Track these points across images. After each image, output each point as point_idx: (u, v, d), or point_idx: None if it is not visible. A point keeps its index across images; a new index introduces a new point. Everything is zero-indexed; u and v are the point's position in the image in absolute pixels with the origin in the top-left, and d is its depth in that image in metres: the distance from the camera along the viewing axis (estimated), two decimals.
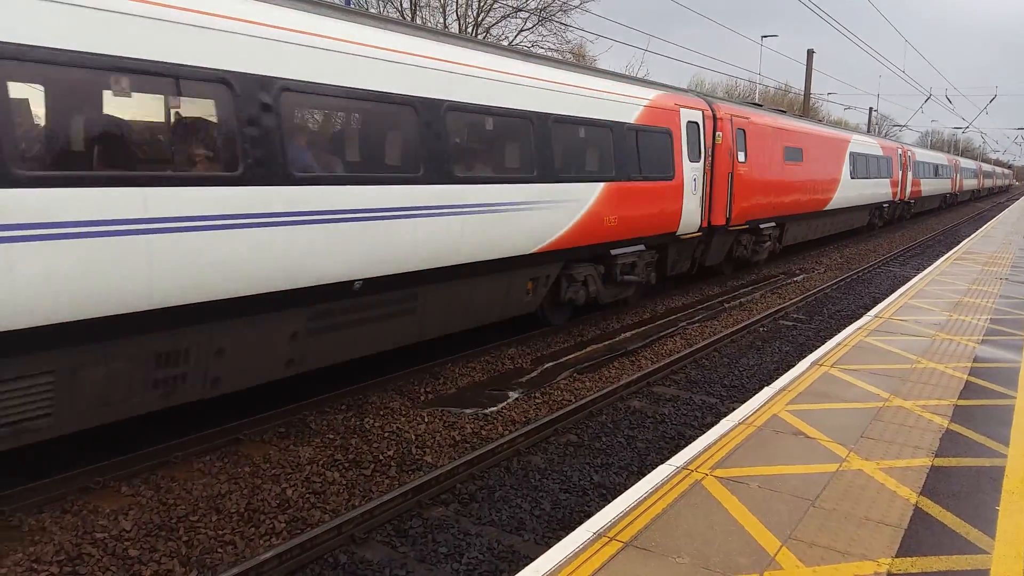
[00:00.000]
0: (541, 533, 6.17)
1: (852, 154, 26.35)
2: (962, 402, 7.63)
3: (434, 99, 8.76)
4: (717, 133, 16.01)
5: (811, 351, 10.77)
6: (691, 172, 14.82)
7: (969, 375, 8.63)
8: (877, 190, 30.41)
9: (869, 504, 5.28)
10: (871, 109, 66.25)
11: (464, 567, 5.65)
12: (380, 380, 9.47)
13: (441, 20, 31.92)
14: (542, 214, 10.63)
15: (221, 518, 6.20)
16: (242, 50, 6.79)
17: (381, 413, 8.63)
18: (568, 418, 8.52)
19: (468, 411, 8.83)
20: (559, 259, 11.49)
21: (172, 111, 6.61)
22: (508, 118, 10.12)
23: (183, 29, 6.36)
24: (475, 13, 32.66)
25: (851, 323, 12.21)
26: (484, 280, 10.08)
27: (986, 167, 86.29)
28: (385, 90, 8.16)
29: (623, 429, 8.51)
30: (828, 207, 24.25)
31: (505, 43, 29.80)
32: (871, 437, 6.59)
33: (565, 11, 33.14)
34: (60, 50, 5.62)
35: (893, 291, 15.96)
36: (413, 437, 8.01)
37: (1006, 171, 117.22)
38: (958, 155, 71.63)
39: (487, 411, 8.86)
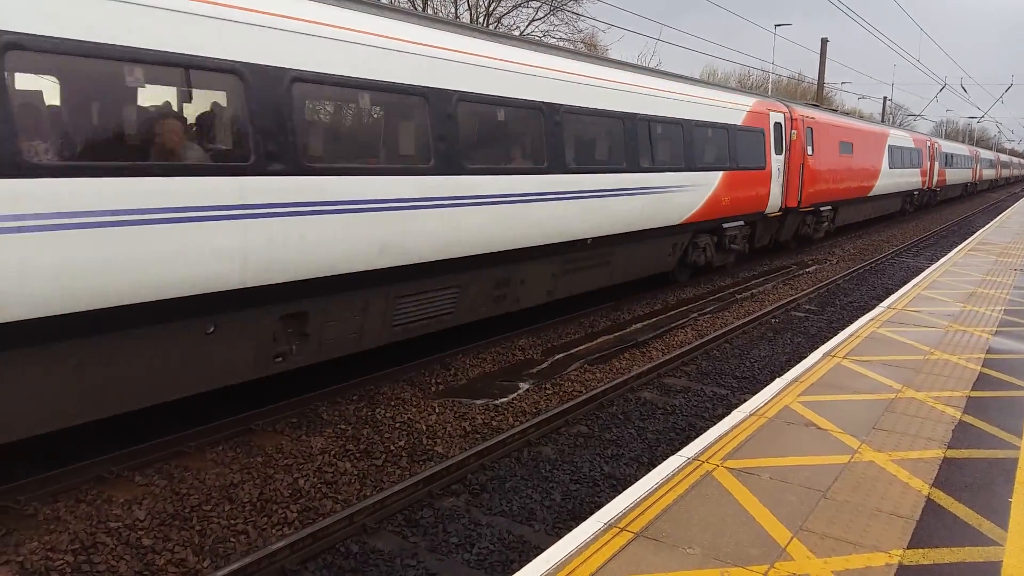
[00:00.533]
0: (551, 523, 6.19)
1: (890, 147, 29.60)
2: (975, 393, 7.59)
3: (640, 114, 12.87)
4: (792, 131, 19.22)
5: (823, 342, 10.72)
6: (776, 163, 18.36)
7: (983, 367, 8.57)
8: (910, 179, 33.64)
9: (881, 495, 5.26)
10: (885, 98, 65.76)
11: (475, 557, 5.67)
12: (391, 371, 9.50)
13: (453, 10, 31.84)
14: (686, 195, 14.30)
15: (234, 507, 6.25)
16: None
17: (392, 404, 8.66)
18: (578, 409, 8.52)
19: (479, 402, 8.84)
20: (690, 230, 15.19)
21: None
22: (671, 124, 13.91)
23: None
24: (487, 2, 32.56)
25: (864, 314, 12.14)
26: (648, 243, 13.80)
27: (1003, 157, 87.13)
28: (613, 109, 12.14)
29: (634, 420, 8.51)
30: (871, 194, 27.59)
31: (516, 32, 29.67)
32: (883, 428, 6.56)
33: (577, 0, 33.00)
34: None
35: (906, 282, 15.86)
36: (424, 427, 8.03)
37: (1023, 161, 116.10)
38: (975, 146, 71.68)
39: (498, 402, 8.87)
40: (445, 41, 8.99)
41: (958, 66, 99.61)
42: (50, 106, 5.88)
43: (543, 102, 10.38)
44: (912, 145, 33.98)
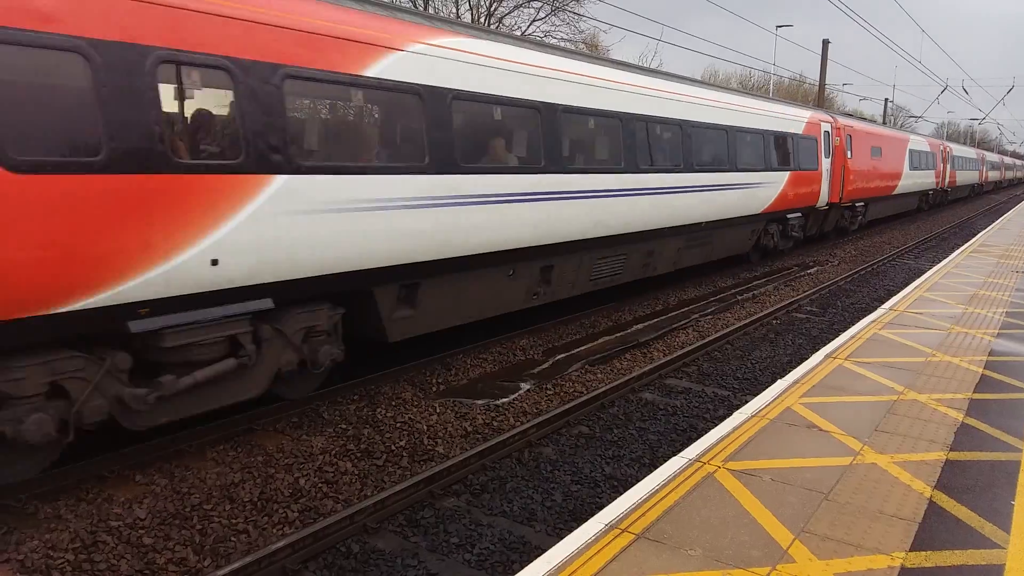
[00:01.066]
0: (552, 524, 6.18)
1: (910, 151, 33.13)
2: (977, 396, 7.58)
3: (738, 126, 16.54)
4: (835, 138, 22.49)
5: (825, 344, 10.72)
6: (825, 165, 21.69)
7: (984, 368, 8.56)
8: (926, 179, 37.37)
9: (883, 498, 5.25)
10: (886, 100, 65.72)
11: (476, 557, 5.67)
12: (392, 371, 9.49)
13: (454, 10, 31.84)
14: (765, 190, 17.89)
15: (235, 507, 6.24)
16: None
17: (393, 403, 8.65)
18: (580, 410, 8.51)
19: (480, 402, 8.84)
20: (764, 219, 18.79)
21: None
22: (756, 134, 17.60)
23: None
24: (488, 3, 32.56)
25: (865, 316, 12.13)
26: (736, 229, 17.41)
27: (1007, 160, 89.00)
28: (721, 123, 15.81)
29: (635, 421, 8.50)
30: (895, 192, 31.30)
31: (518, 33, 29.66)
32: (885, 430, 6.55)
33: (578, 0, 33.00)
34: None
35: (908, 284, 15.85)
36: (425, 428, 8.02)
37: None
38: (976, 148, 72.84)
39: (498, 402, 8.86)
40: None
41: (960, 68, 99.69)
42: (477, 133, 9.87)
43: (683, 119, 14.28)
44: (928, 149, 37.49)
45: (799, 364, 9.13)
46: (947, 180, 43.29)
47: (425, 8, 30.01)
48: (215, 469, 6.86)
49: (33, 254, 5.48)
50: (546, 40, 29.13)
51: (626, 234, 12.72)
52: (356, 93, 8.13)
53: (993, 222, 33.60)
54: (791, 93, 63.15)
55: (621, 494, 5.50)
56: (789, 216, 20.24)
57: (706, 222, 15.41)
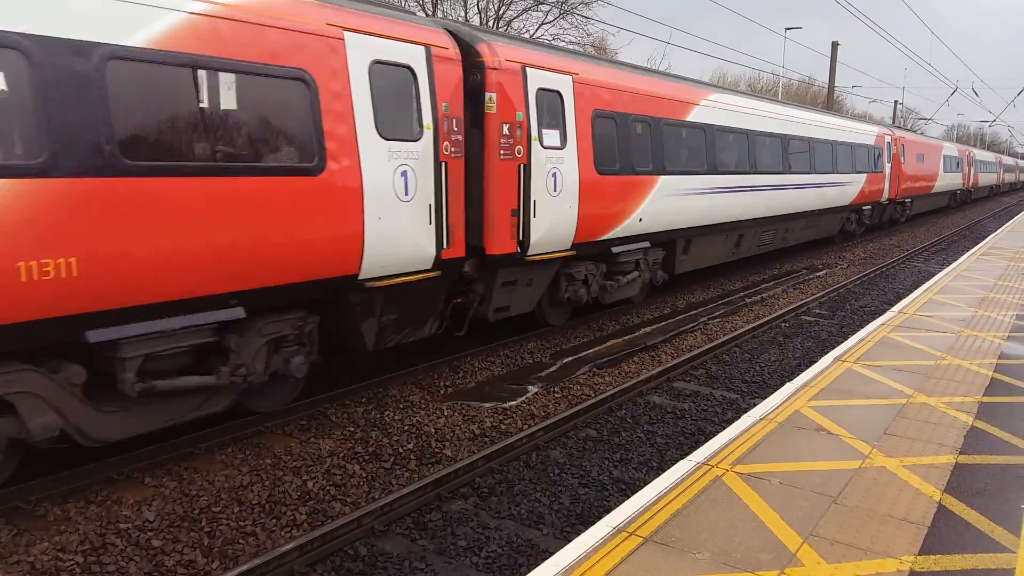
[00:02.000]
0: (560, 527, 6.17)
1: (944, 156, 38.94)
2: (987, 399, 7.54)
3: (838, 140, 22.33)
4: (893, 147, 28.11)
5: (834, 347, 10.68)
6: (887, 169, 27.40)
7: (995, 372, 8.52)
8: (955, 181, 43.13)
9: (892, 501, 5.23)
10: (896, 102, 65.47)
11: (483, 560, 5.67)
12: (400, 373, 9.51)
13: (462, 13, 31.91)
14: (852, 187, 23.80)
15: (243, 509, 6.26)
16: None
17: (401, 406, 8.66)
18: (587, 413, 8.50)
19: (487, 405, 8.84)
20: (848, 209, 24.86)
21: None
22: (846, 145, 22.94)
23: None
24: (496, 6, 32.62)
25: (875, 319, 12.09)
26: (830, 215, 23.35)
27: (1021, 163, 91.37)
28: (830, 138, 21.65)
29: (642, 424, 8.49)
30: (932, 191, 37.06)
31: (526, 36, 29.70)
32: (895, 434, 6.52)
33: (587, 3, 33.02)
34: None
35: (917, 287, 15.78)
36: (433, 430, 8.03)
37: None
38: (987, 151, 74.16)
39: (506, 405, 8.86)
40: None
41: (970, 70, 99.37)
42: (723, 149, 15.63)
43: (809, 137, 20.17)
44: (957, 155, 43.42)
45: (808, 367, 9.11)
46: (971, 181, 49.60)
47: (433, 13, 30.09)
48: (224, 471, 6.88)
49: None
50: (555, 43, 29.18)
51: (777, 216, 18.56)
52: (683, 130, 14.04)
53: (1003, 224, 33.42)
54: (800, 96, 62.98)
55: (629, 497, 5.50)
56: (863, 207, 26.33)
57: (818, 210, 21.43)
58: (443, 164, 8.66)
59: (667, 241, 13.84)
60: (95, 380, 6.30)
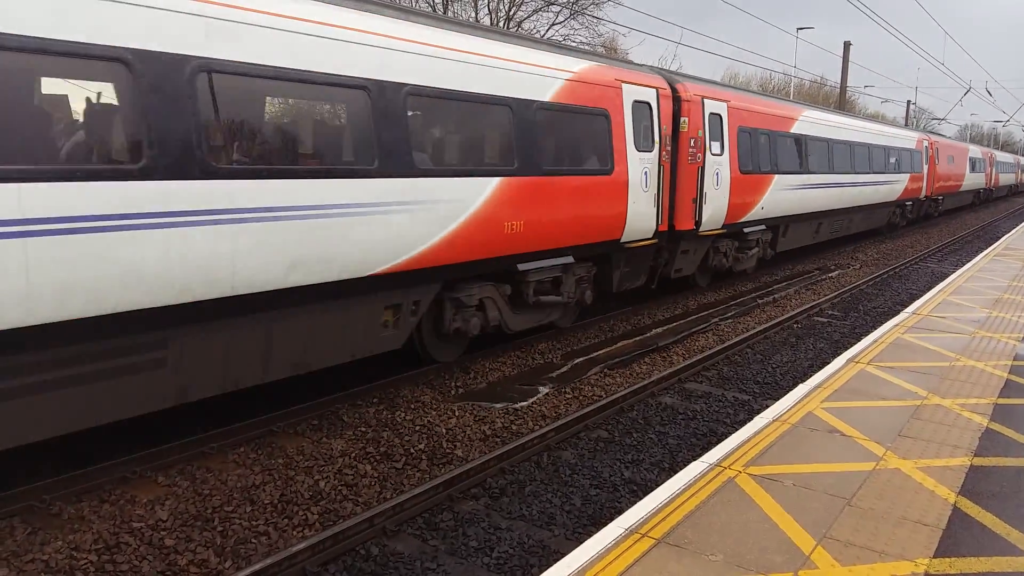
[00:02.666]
0: (571, 528, 6.16)
1: (970, 158, 42.83)
2: (1002, 401, 7.48)
3: (883, 145, 25.64)
4: (929, 150, 31.90)
5: (847, 348, 10.62)
6: (924, 170, 31.04)
7: (1010, 373, 8.45)
8: (979, 180, 46.69)
9: (906, 503, 5.19)
10: (909, 102, 65.10)
11: (495, 561, 5.66)
12: (411, 374, 9.52)
13: (473, 14, 31.93)
14: (898, 185, 27.52)
15: (255, 509, 6.27)
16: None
17: (412, 407, 8.67)
18: (598, 414, 8.49)
19: (498, 405, 8.83)
20: (894, 204, 28.41)
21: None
22: (895, 149, 26.68)
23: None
24: (507, 7, 32.63)
25: (888, 320, 12.02)
26: (882, 209, 26.79)
27: None
28: (878, 143, 25.07)
29: (654, 425, 8.47)
30: (960, 190, 40.99)
31: (537, 36, 29.69)
32: (909, 436, 6.48)
33: (597, 4, 32.99)
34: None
35: (931, 287, 15.69)
36: (444, 431, 8.03)
37: None
38: (1007, 153, 75.27)
39: (517, 406, 8.86)
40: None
41: (983, 69, 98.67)
42: (814, 152, 19.82)
43: (869, 143, 23.80)
44: (981, 156, 47.15)
45: (821, 368, 9.07)
46: (993, 181, 53.75)
47: (445, 12, 30.12)
48: (236, 471, 6.91)
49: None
50: (566, 43, 29.13)
51: (845, 208, 22.41)
52: (788, 139, 18.05)
53: (1017, 225, 33.20)
54: (812, 96, 62.69)
55: (641, 498, 5.48)
56: (906, 203, 30.19)
57: (874, 204, 25.22)
58: (661, 167, 12.62)
59: (774, 225, 17.98)
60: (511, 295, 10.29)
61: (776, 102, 19.16)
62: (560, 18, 33.34)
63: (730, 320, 13.78)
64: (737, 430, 6.76)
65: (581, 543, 4.71)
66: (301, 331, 7.48)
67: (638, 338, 12.18)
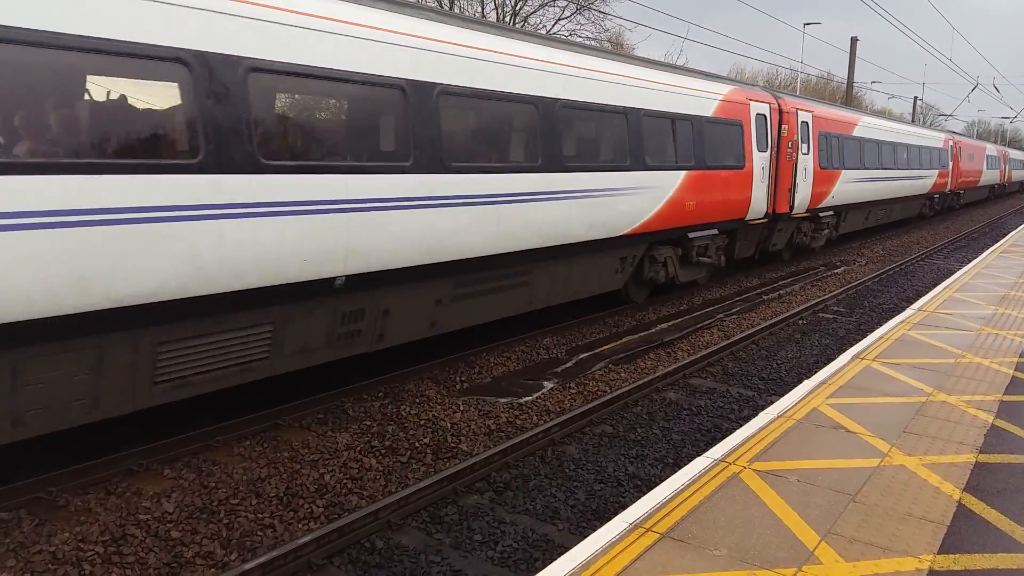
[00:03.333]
0: (576, 523, 6.17)
1: (987, 155, 46.99)
2: (1008, 398, 7.47)
3: (921, 145, 30.24)
4: (954, 148, 35.16)
5: (852, 344, 10.60)
6: (950, 166, 33.97)
7: (1016, 370, 8.43)
8: (994, 176, 50.91)
9: (911, 500, 5.19)
10: (916, 98, 64.87)
11: (499, 554, 5.68)
12: (416, 368, 9.54)
13: (479, 9, 31.87)
14: (929, 180, 31.23)
15: (261, 502, 6.30)
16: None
17: (417, 401, 8.69)
18: (603, 409, 8.50)
19: (503, 400, 8.85)
20: (924, 197, 31.81)
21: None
22: (927, 148, 30.90)
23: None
24: (513, 2, 32.56)
25: (893, 316, 11.99)
26: (915, 200, 30.76)
27: None
28: (905, 142, 28.13)
29: (659, 421, 8.47)
30: (978, 185, 45.18)
31: (543, 31, 29.61)
32: (914, 432, 6.48)
33: None
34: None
35: (937, 284, 15.65)
36: (449, 425, 8.05)
37: None
38: (1019, 151, 76.66)
39: (522, 400, 8.87)
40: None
41: (991, 65, 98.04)
42: (873, 150, 23.93)
43: (907, 144, 27.53)
44: (996, 154, 51.86)
45: (826, 365, 9.05)
46: (1007, 177, 58.43)
47: (451, 7, 30.07)
48: (242, 464, 6.93)
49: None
50: (571, 38, 29.06)
51: (889, 199, 26.23)
52: (853, 141, 21.55)
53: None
54: (819, 91, 62.47)
55: (645, 493, 5.49)
56: (934, 196, 33.79)
57: (911, 195, 29.03)
58: (771, 164, 16.38)
59: (838, 211, 21.45)
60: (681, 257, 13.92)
61: (842, 111, 23.43)
62: (566, 13, 33.28)
63: (735, 316, 13.77)
64: (742, 426, 6.76)
65: (585, 537, 4.72)
66: (587, 267, 11.56)
67: (643, 333, 12.18)
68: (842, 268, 20.25)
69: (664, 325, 12.82)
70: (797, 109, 17.70)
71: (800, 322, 13.54)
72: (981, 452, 6.06)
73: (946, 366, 8.57)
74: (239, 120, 6.42)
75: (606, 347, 11.28)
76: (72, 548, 5.48)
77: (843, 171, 20.61)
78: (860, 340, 10.29)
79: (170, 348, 6.38)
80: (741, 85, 16.83)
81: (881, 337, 9.92)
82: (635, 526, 4.75)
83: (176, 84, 6.14)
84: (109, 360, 5.99)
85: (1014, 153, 67.76)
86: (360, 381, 8.93)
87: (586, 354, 10.87)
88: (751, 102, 15.57)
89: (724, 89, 14.83)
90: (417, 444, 7.57)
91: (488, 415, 8.40)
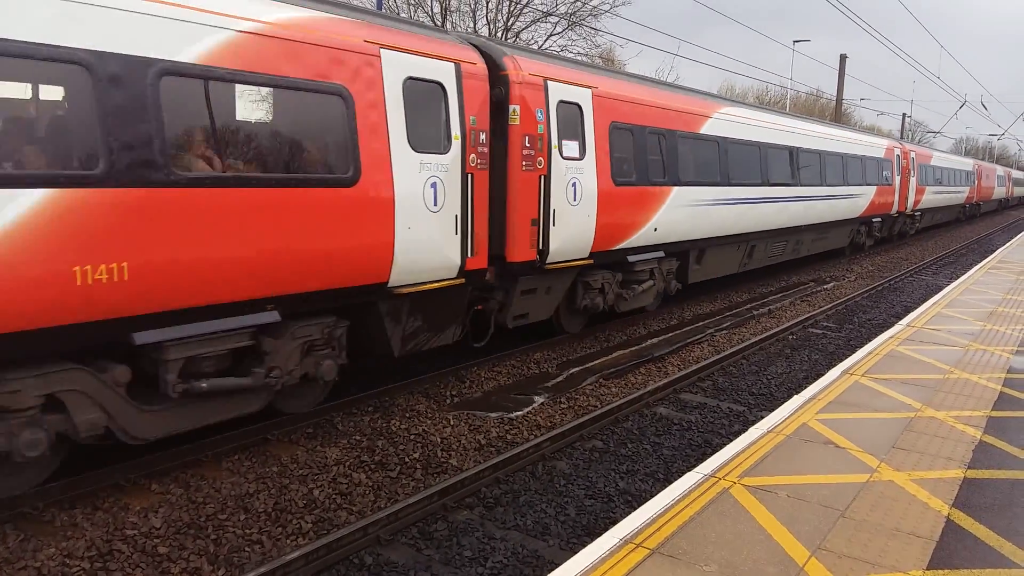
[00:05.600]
0: (566, 538, 6.16)
1: (996, 175, 58.02)
2: (996, 413, 7.50)
3: (964, 170, 44.26)
4: (977, 172, 47.53)
5: (841, 360, 10.65)
6: (975, 185, 47.16)
7: (1003, 386, 8.48)
8: (1002, 192, 62.70)
9: (900, 515, 5.20)
10: (904, 115, 65.46)
11: (489, 571, 5.65)
12: (407, 382, 9.51)
13: (471, 24, 32.04)
14: (964, 194, 44.09)
15: (249, 517, 6.26)
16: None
17: (407, 415, 8.66)
18: (594, 423, 8.49)
19: (493, 415, 8.83)
20: (960, 207, 45.69)
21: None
22: (963, 171, 43.42)
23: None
24: (505, 18, 32.75)
25: (882, 332, 12.05)
26: (954, 208, 43.75)
27: None
28: (964, 169, 44.49)
29: (649, 436, 8.47)
30: (991, 199, 55.95)
31: (535, 47, 29.78)
32: (903, 448, 6.50)
33: (595, 15, 33.11)
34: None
35: (925, 300, 15.73)
36: (439, 440, 8.03)
37: None
38: (1021, 171, 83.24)
39: (512, 415, 8.85)
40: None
41: (978, 83, 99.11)
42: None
43: (954, 168, 40.42)
44: (1003, 174, 63.97)
45: (815, 380, 9.08)
46: (1010, 193, 69.71)
47: (443, 23, 30.23)
48: (230, 479, 6.89)
49: None
50: (563, 54, 29.24)
51: (945, 206, 37.06)
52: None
53: (1012, 238, 33.34)
54: (808, 108, 62.98)
55: (635, 509, 5.48)
56: (967, 206, 45.78)
57: (955, 205, 38.87)
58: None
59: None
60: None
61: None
62: (558, 29, 33.47)
63: (725, 331, 13.81)
64: (732, 441, 6.76)
65: (575, 553, 4.71)
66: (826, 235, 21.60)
67: (633, 348, 12.20)
68: (832, 284, 20.34)
69: (655, 340, 12.84)
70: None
71: (790, 337, 13.58)
72: (969, 468, 6.09)
73: (934, 382, 8.61)
74: None
75: (597, 362, 11.28)
76: (58, 564, 5.43)
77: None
78: (849, 356, 10.33)
79: None
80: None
81: (870, 353, 9.97)
82: (625, 541, 4.74)
83: None
84: None
85: (1016, 174, 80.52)
86: (350, 395, 8.90)
87: (577, 368, 10.87)
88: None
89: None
90: (407, 459, 7.55)
91: (479, 430, 8.38)
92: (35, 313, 5.47)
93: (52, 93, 5.99)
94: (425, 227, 8.39)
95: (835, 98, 41.90)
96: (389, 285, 8.21)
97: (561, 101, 10.46)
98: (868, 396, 7.99)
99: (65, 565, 5.43)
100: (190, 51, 6.29)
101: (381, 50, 7.94)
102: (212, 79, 6.43)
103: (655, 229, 12.65)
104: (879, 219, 27.52)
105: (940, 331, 11.51)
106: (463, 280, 9.08)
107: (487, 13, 32.61)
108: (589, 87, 11.09)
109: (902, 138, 61.05)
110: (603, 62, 34.85)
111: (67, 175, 5.54)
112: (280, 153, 7.17)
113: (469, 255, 9.06)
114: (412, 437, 8.08)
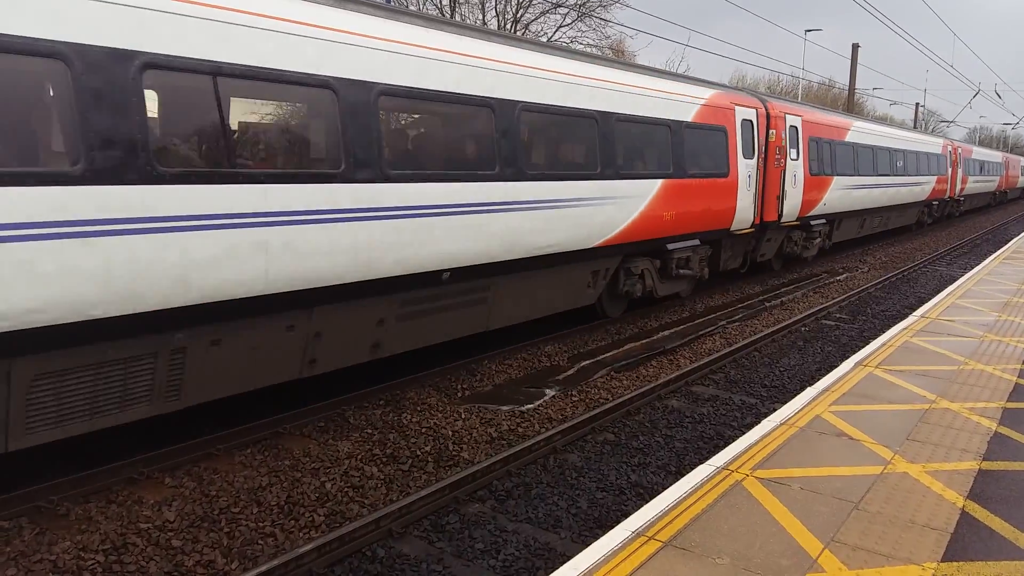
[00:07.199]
0: (578, 531, 6.15)
1: (1021, 166, 63.39)
2: (1011, 405, 7.44)
3: (989, 160, 48.76)
4: (1008, 163, 55.65)
5: (855, 351, 10.58)
6: (1007, 174, 54.80)
7: (1019, 377, 8.41)
8: (1022, 180, 67.06)
9: (915, 507, 5.17)
10: (917, 104, 64.94)
11: (500, 563, 5.65)
12: (418, 376, 9.52)
13: (480, 16, 31.96)
14: (994, 183, 50.11)
15: (262, 510, 6.28)
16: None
17: (419, 409, 8.67)
18: (605, 416, 8.47)
19: (505, 408, 8.83)
20: (992, 194, 52.61)
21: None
22: (991, 162, 49.41)
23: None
24: (514, 9, 32.64)
25: (896, 323, 11.97)
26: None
27: None
28: (994, 161, 51.00)
29: (661, 428, 8.45)
30: (1016, 187, 61.19)
31: (544, 39, 29.67)
32: (917, 439, 6.45)
33: (605, 6, 32.96)
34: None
35: (940, 291, 15.62)
36: (450, 433, 8.03)
37: None
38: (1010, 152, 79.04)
39: (524, 408, 8.85)
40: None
41: (992, 72, 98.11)
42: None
43: (988, 161, 47.59)
44: None
45: (828, 372, 9.03)
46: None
47: (452, 15, 30.16)
48: (243, 472, 6.92)
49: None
50: (571, 45, 29.11)
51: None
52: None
53: None
54: (820, 98, 62.58)
55: (647, 501, 5.47)
56: (996, 193, 50.36)
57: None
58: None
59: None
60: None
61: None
62: (567, 20, 33.34)
63: (737, 323, 13.75)
64: (744, 433, 6.74)
65: (587, 546, 4.70)
66: (904, 213, 28.77)
67: (645, 341, 12.17)
68: (844, 275, 20.22)
69: (666, 332, 12.80)
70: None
71: (802, 329, 13.51)
72: (984, 459, 6.04)
73: (949, 373, 8.55)
74: None
75: (608, 354, 11.26)
76: (73, 557, 5.47)
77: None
78: (863, 347, 10.27)
79: None
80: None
81: (884, 344, 9.90)
82: (637, 534, 4.73)
83: None
84: None
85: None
86: (361, 389, 8.92)
87: (588, 361, 10.85)
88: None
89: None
90: (419, 452, 7.56)
91: (490, 423, 8.38)
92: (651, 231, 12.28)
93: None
94: (745, 199, 15.22)
95: (848, 88, 41.59)
96: (731, 229, 15.06)
97: (791, 125, 17.40)
98: (882, 388, 7.94)
99: (80, 558, 5.46)
100: (688, 112, 13.38)
101: (734, 106, 14.99)
102: (692, 129, 13.37)
103: (824, 204, 19.57)
104: (936, 202, 34.10)
105: (955, 322, 11.42)
106: (753, 229, 16.05)
107: (496, 5, 32.52)
108: (800, 115, 18.09)
109: (915, 127, 62.11)
110: (612, 53, 34.70)
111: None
112: (705, 163, 13.80)
113: (756, 217, 15.99)
114: (423, 430, 8.09)
